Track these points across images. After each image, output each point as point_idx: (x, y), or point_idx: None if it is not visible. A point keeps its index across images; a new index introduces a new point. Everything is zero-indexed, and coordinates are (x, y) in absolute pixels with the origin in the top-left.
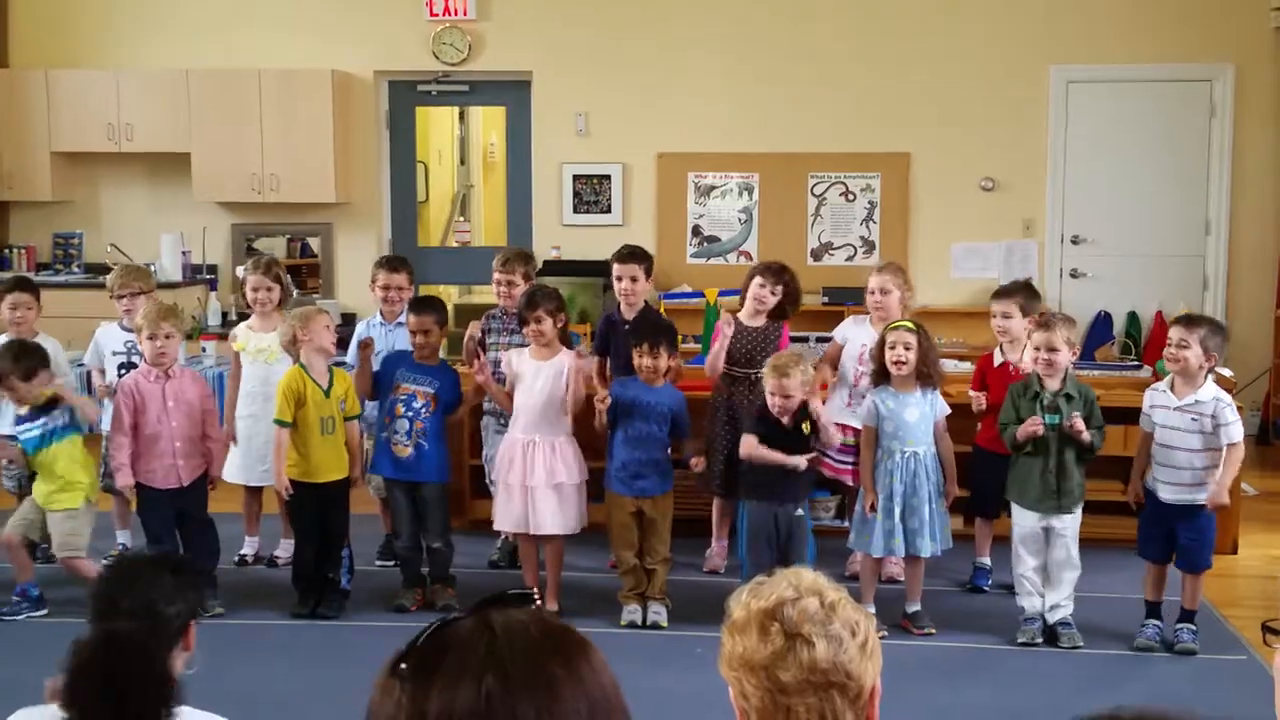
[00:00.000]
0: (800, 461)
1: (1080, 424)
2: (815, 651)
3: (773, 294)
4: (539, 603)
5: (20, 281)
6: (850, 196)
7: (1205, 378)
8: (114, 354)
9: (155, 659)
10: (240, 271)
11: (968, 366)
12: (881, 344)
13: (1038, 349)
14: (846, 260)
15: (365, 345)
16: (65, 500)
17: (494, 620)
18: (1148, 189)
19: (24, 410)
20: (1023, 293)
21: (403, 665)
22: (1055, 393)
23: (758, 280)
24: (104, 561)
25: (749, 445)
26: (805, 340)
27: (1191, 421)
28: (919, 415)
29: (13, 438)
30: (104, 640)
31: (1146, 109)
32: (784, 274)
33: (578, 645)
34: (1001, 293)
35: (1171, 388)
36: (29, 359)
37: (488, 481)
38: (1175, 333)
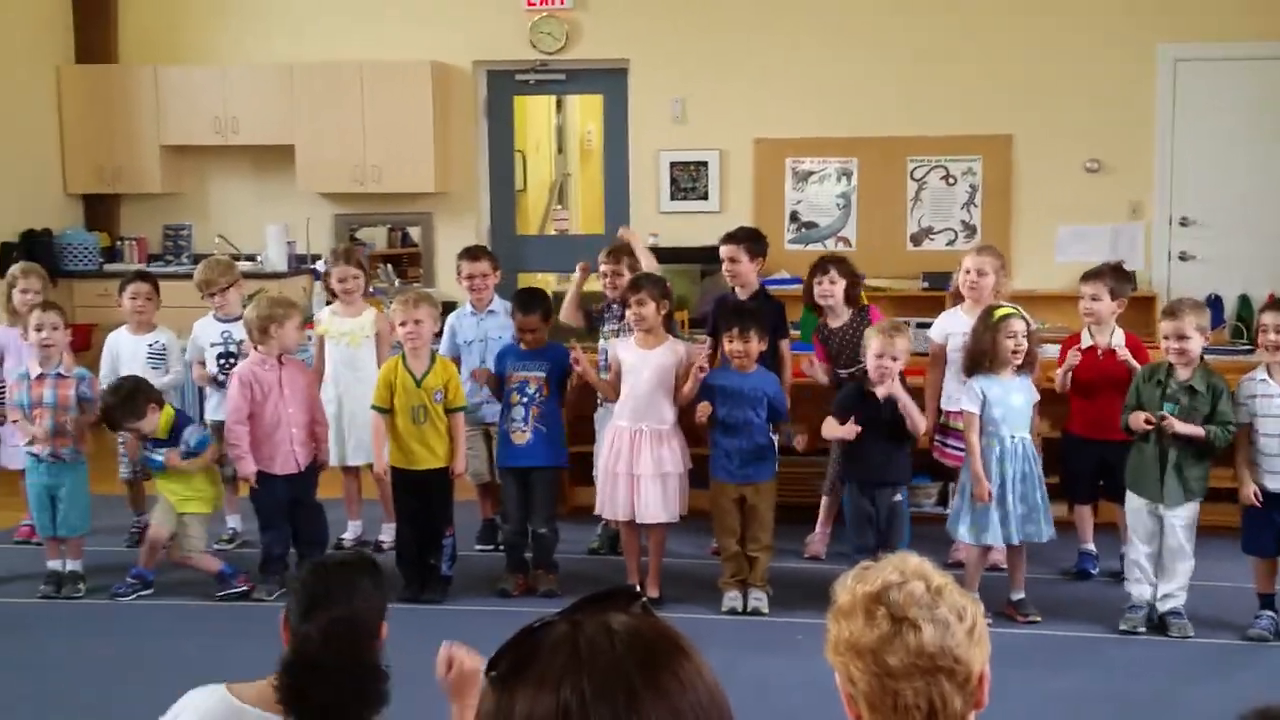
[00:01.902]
0: (849, 432)
1: (1176, 424)
2: (922, 636)
3: (831, 283)
4: (644, 601)
5: (141, 273)
6: (951, 180)
7: None
8: (212, 345)
9: (368, 652)
10: (323, 265)
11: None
12: (978, 331)
13: (1167, 338)
14: (947, 245)
15: (486, 379)
16: (195, 506)
17: (584, 627)
18: (1259, 169)
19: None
20: (1111, 275)
21: (493, 671)
22: (1181, 383)
23: (814, 280)
24: (218, 546)
25: (827, 427)
26: (905, 325)
27: None
28: (1023, 400)
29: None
30: (323, 635)
31: (1258, 87)
32: (827, 263)
33: (668, 656)
34: (1091, 275)
35: (1270, 375)
36: (133, 399)
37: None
38: (1270, 318)
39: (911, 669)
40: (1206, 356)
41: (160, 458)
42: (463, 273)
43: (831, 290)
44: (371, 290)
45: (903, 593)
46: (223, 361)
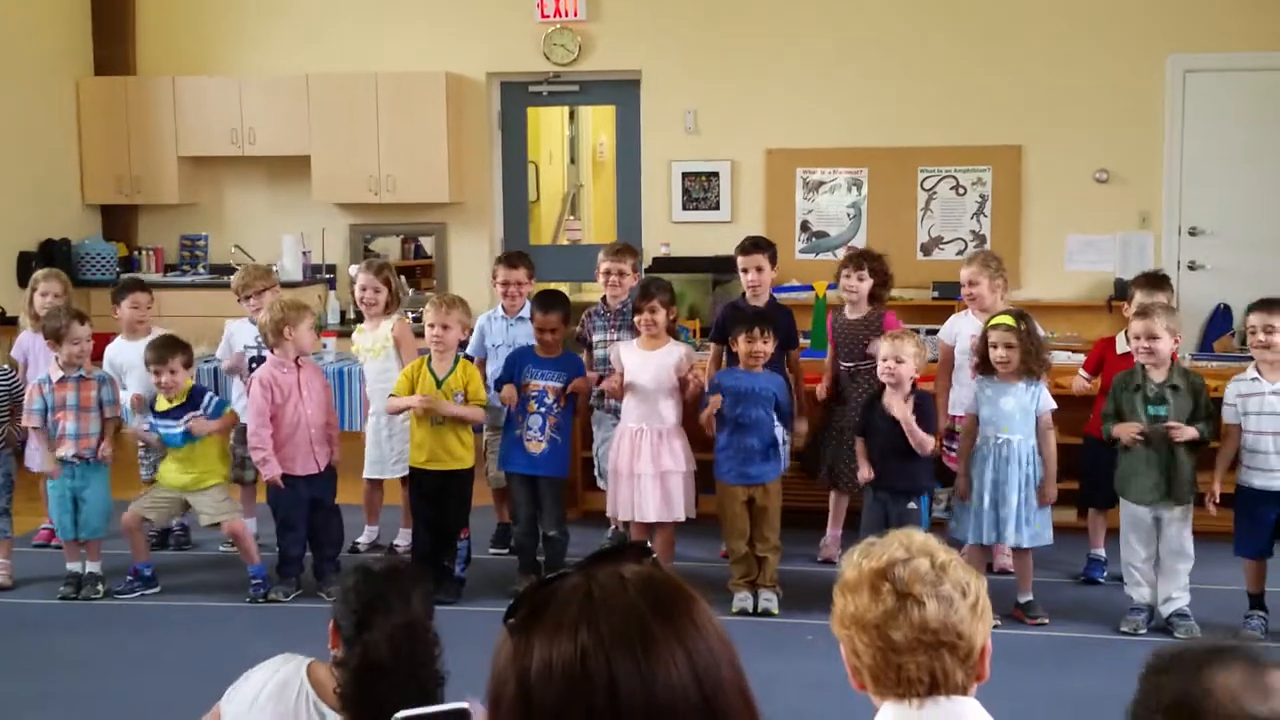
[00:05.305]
0: (925, 440)
1: (1182, 432)
2: (926, 611)
3: (859, 280)
4: (654, 555)
5: (137, 282)
6: (961, 190)
7: None
8: (246, 348)
9: (428, 657)
10: (353, 271)
11: (1081, 359)
12: (985, 336)
13: (1137, 338)
14: (957, 254)
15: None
16: (212, 478)
17: (597, 576)
18: (1268, 179)
19: (167, 405)
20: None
21: (510, 619)
22: (1161, 384)
23: (843, 272)
24: (223, 548)
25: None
26: (916, 333)
27: None
28: (1015, 404)
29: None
30: (390, 642)
31: (1266, 97)
32: (864, 258)
33: (680, 600)
34: (1152, 282)
35: (1260, 373)
36: (187, 350)
37: (596, 475)
38: (1258, 319)
39: (915, 644)
40: (1216, 364)
41: (178, 430)
42: (499, 278)
43: (858, 287)
44: (400, 309)
45: (908, 569)
46: (254, 364)
